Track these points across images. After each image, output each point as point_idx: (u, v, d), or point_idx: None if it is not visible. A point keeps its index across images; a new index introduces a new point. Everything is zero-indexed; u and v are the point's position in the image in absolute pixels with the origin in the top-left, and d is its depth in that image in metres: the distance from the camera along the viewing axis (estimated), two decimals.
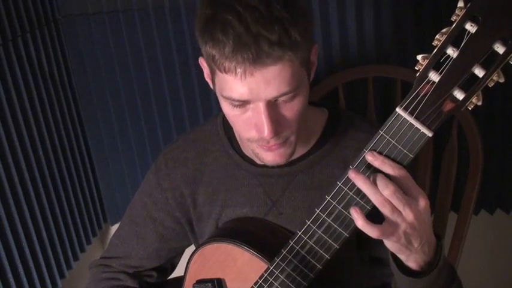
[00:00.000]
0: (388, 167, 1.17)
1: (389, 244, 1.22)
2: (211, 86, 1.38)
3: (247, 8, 1.20)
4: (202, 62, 1.37)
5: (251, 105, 1.28)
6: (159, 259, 1.68)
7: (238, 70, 1.22)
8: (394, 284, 1.38)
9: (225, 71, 1.24)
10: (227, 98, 1.29)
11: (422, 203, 1.19)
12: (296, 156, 1.45)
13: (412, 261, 1.27)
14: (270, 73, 1.22)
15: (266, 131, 1.28)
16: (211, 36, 1.23)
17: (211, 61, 1.26)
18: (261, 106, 1.26)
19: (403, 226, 1.18)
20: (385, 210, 1.18)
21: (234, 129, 1.42)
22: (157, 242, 1.63)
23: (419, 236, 1.21)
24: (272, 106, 1.27)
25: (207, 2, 1.27)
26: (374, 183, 1.18)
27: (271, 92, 1.24)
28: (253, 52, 1.19)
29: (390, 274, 1.35)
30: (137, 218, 1.64)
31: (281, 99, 1.27)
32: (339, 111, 1.53)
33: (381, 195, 1.17)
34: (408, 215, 1.17)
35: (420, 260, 1.26)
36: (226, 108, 1.33)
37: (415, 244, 1.22)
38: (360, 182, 1.19)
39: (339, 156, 1.47)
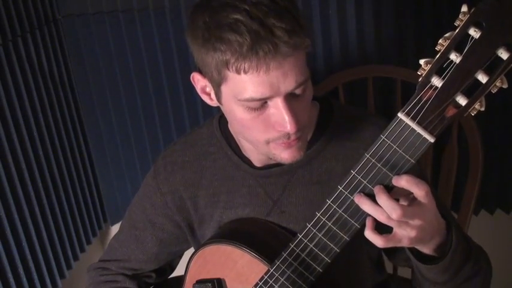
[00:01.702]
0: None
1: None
2: (208, 101, 1.37)
3: (253, 4, 1.19)
4: (196, 76, 1.35)
5: (270, 103, 1.27)
6: (158, 262, 1.68)
7: (260, 66, 1.20)
8: (416, 268, 1.38)
9: (244, 72, 1.21)
10: (246, 101, 1.26)
11: (426, 201, 1.18)
12: None
13: (426, 249, 1.29)
14: (288, 64, 1.21)
15: (289, 125, 1.26)
16: (222, 40, 1.21)
17: (224, 67, 1.24)
18: (280, 101, 1.25)
19: (412, 233, 1.20)
20: (391, 224, 1.19)
21: (246, 135, 1.39)
22: (157, 246, 1.63)
23: (429, 233, 1.23)
24: (289, 100, 1.26)
25: (201, 10, 1.25)
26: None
27: (290, 84, 1.23)
28: (273, 44, 1.18)
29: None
30: (136, 222, 1.63)
31: (296, 91, 1.26)
32: (330, 103, 1.52)
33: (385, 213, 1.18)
34: (416, 222, 1.19)
35: (433, 246, 1.28)
36: (242, 114, 1.30)
37: (426, 240, 1.25)
38: (366, 206, 1.20)
39: (336, 149, 1.46)
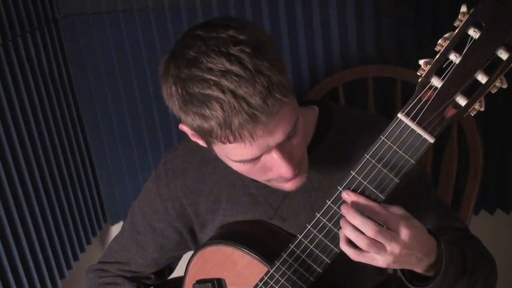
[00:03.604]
0: (362, 207, 1.19)
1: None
2: (204, 145, 1.34)
3: (222, 75, 1.14)
4: (184, 128, 1.31)
5: (263, 155, 1.25)
6: (157, 266, 1.68)
7: (243, 137, 1.18)
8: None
9: (229, 142, 1.19)
10: (238, 162, 1.26)
11: (404, 231, 1.18)
12: None
13: (416, 269, 1.27)
14: (273, 124, 1.18)
15: (286, 172, 1.26)
16: (199, 115, 1.19)
17: (208, 136, 1.22)
18: (274, 152, 1.24)
19: (389, 258, 1.19)
20: (371, 250, 1.18)
21: (246, 175, 1.38)
22: (157, 252, 1.63)
23: (414, 255, 1.21)
24: (282, 145, 1.24)
25: (171, 80, 1.22)
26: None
27: (279, 138, 1.21)
28: (250, 115, 1.15)
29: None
30: (138, 226, 1.63)
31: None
32: (329, 106, 1.50)
33: (366, 238, 1.18)
34: (395, 248, 1.17)
35: (424, 268, 1.26)
36: (238, 167, 1.30)
37: (411, 263, 1.23)
38: (346, 225, 1.21)
39: (336, 153, 1.45)
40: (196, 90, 1.17)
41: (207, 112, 1.17)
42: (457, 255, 1.31)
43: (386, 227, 1.18)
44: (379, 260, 1.20)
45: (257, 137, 1.18)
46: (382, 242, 1.17)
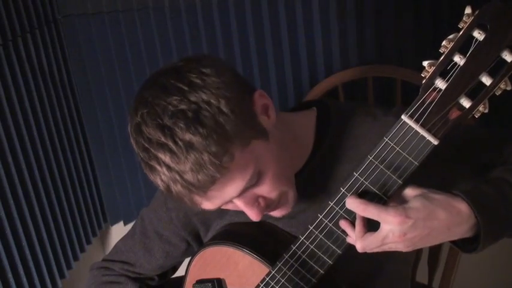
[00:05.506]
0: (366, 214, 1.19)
1: None
2: None
3: (158, 149, 1.18)
4: None
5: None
6: (161, 270, 1.69)
7: (190, 201, 1.23)
8: None
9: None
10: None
11: (406, 222, 1.13)
12: (296, 170, 1.42)
13: (454, 238, 1.19)
14: (214, 193, 1.21)
15: (253, 217, 1.29)
16: (150, 176, 1.24)
17: None
18: (236, 200, 1.26)
19: (399, 246, 1.18)
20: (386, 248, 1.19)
21: None
22: (163, 258, 1.63)
23: (437, 230, 1.15)
24: (244, 195, 1.26)
25: (134, 140, 1.25)
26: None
27: (233, 193, 1.23)
28: (186, 188, 1.18)
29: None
30: (147, 231, 1.64)
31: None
32: (327, 107, 1.48)
33: None
34: (405, 241, 1.16)
35: (464, 234, 1.18)
36: None
37: (442, 235, 1.17)
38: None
39: (338, 155, 1.43)
40: (142, 156, 1.22)
41: (152, 178, 1.23)
42: (496, 199, 1.21)
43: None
44: (400, 249, 1.18)
45: (202, 201, 1.23)
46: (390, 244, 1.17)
